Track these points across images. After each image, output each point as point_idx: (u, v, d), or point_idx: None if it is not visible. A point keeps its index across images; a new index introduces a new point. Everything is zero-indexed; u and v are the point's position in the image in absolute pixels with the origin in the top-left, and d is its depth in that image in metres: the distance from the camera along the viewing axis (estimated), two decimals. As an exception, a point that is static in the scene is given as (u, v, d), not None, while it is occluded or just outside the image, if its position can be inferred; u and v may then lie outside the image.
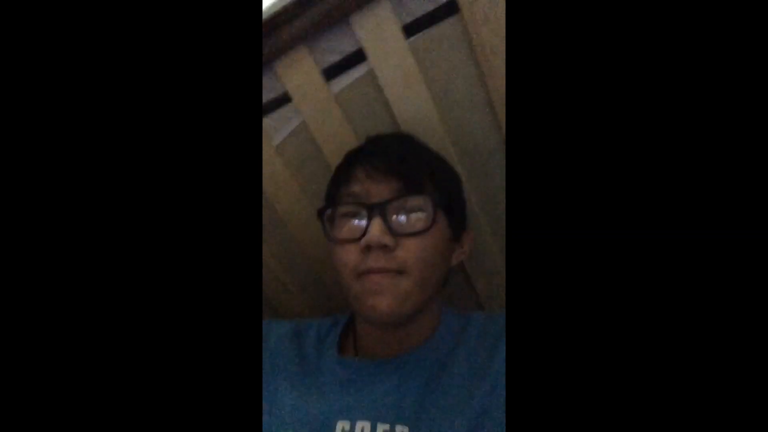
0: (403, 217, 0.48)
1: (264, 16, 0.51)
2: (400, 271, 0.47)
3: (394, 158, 0.49)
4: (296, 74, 0.57)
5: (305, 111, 0.60)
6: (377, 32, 0.52)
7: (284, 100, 0.60)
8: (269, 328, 0.62)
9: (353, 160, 0.52)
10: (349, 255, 0.48)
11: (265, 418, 0.52)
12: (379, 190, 0.49)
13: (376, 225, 0.46)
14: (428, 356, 0.51)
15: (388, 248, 0.47)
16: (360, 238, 0.47)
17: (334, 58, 0.56)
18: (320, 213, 0.52)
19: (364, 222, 0.48)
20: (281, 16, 0.51)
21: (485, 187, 0.61)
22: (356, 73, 0.56)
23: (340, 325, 0.59)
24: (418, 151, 0.53)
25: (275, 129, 0.63)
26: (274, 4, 0.52)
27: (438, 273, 0.51)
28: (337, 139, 0.61)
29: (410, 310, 0.48)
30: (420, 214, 0.48)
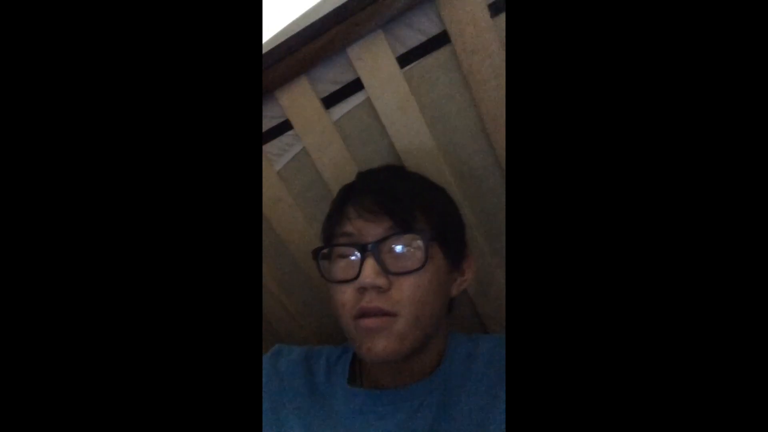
0: (396, 256, 0.48)
1: (266, 48, 0.55)
2: (394, 313, 0.47)
3: (385, 196, 0.49)
4: (297, 103, 0.60)
5: (306, 137, 0.62)
6: (373, 63, 0.55)
7: (286, 127, 0.63)
8: (280, 353, 0.62)
9: (345, 198, 0.52)
10: (345, 295, 0.48)
11: None
12: (371, 229, 0.48)
13: (369, 266, 0.47)
14: (438, 386, 0.51)
15: (382, 289, 0.47)
16: (354, 279, 0.47)
17: (332, 87, 0.59)
18: (315, 253, 0.52)
19: (357, 262, 0.48)
20: (282, 48, 0.55)
21: (481, 207, 0.63)
22: (354, 101, 0.59)
23: (349, 354, 0.58)
24: (409, 184, 0.53)
25: (277, 155, 0.65)
26: (275, 37, 0.55)
27: (436, 308, 0.50)
28: (337, 164, 0.63)
29: (408, 349, 0.48)
30: (413, 252, 0.48)
